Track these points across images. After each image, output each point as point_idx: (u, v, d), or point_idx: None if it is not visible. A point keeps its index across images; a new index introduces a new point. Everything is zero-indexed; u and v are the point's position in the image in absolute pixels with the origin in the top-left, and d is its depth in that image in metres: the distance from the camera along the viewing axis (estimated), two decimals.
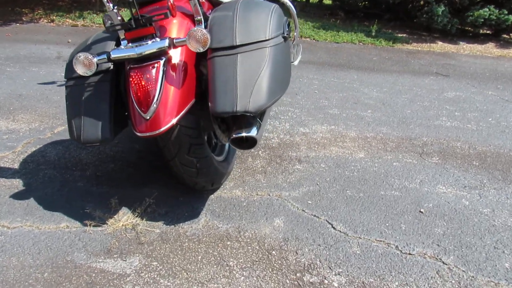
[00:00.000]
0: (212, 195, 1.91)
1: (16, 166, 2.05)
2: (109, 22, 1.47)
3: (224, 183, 2.01)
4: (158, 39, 1.43)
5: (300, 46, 2.97)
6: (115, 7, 1.45)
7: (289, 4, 2.92)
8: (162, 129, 1.41)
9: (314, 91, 3.52)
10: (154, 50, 1.41)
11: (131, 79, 1.42)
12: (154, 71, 1.41)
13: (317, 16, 7.35)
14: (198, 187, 1.84)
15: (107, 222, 1.67)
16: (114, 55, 1.43)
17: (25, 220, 1.66)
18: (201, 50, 1.41)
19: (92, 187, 1.92)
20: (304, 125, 2.78)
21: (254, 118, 1.57)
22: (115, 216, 1.71)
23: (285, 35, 1.66)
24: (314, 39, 5.85)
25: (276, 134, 2.62)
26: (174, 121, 1.42)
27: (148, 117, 1.40)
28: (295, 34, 3.16)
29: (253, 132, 1.52)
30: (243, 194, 1.94)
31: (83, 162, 2.13)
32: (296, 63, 2.72)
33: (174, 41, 1.42)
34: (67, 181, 1.95)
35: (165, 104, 1.41)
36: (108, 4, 1.47)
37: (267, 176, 2.10)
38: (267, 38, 1.53)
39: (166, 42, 1.41)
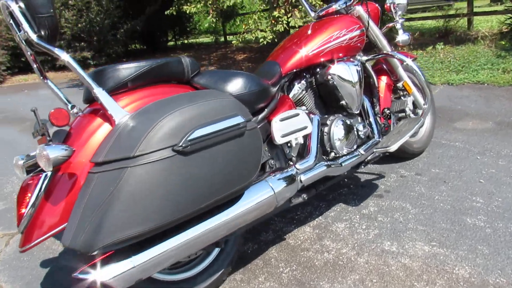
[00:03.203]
0: None
1: None
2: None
3: None
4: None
5: (420, 121, 2.07)
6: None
7: (414, 67, 2.11)
8: (27, 246, 1.25)
9: (479, 180, 2.28)
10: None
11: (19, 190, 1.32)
12: (34, 183, 1.27)
13: None
14: None
15: None
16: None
17: None
18: (50, 169, 1.17)
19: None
20: (397, 239, 1.82)
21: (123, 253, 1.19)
22: None
23: (180, 147, 1.18)
24: None
25: (340, 245, 1.81)
26: (40, 239, 1.25)
27: (21, 231, 1.28)
28: (424, 106, 2.24)
29: (107, 275, 1.15)
30: None
31: None
32: (393, 148, 1.88)
33: None
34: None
35: (36, 221, 1.26)
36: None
37: None
38: (132, 155, 1.13)
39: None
